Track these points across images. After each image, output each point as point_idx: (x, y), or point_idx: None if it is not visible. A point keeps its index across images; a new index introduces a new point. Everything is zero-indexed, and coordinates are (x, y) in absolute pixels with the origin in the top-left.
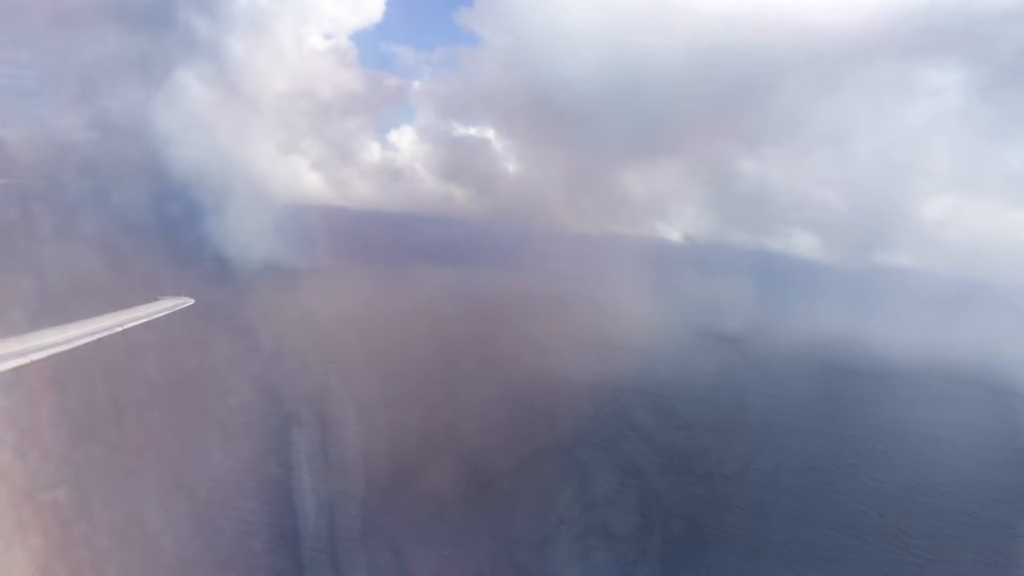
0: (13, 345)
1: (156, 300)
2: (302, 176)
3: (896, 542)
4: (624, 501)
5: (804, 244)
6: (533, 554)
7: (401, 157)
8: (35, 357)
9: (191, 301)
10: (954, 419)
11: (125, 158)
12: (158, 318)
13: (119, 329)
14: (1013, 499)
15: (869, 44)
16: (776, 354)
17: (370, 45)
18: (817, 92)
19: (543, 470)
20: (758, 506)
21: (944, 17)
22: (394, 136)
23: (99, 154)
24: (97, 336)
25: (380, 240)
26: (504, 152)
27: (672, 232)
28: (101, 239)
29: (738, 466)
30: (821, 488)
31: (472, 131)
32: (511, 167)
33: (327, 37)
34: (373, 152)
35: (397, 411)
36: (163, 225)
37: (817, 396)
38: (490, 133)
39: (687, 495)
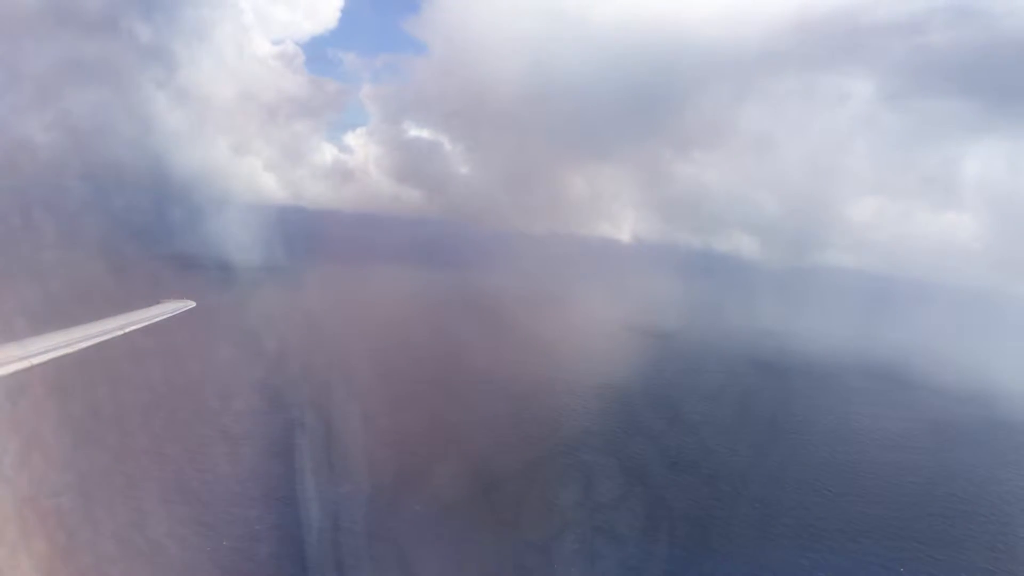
0: (14, 349)
1: (158, 303)
2: (257, 177)
3: (749, 511)
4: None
5: (746, 245)
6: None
7: (354, 159)
8: (36, 361)
9: (192, 304)
10: (854, 410)
11: (86, 161)
12: (160, 321)
13: (120, 332)
14: (873, 477)
15: (769, 55)
16: (702, 350)
17: (320, 51)
18: (731, 99)
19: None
20: (642, 483)
21: (833, 29)
22: (350, 138)
23: (60, 156)
24: (99, 339)
25: (343, 240)
26: (454, 154)
27: (621, 233)
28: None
29: (628, 448)
30: (698, 469)
31: (424, 133)
32: (462, 169)
33: (275, 43)
34: (325, 154)
35: (392, 409)
36: (135, 228)
37: (731, 389)
38: (440, 136)
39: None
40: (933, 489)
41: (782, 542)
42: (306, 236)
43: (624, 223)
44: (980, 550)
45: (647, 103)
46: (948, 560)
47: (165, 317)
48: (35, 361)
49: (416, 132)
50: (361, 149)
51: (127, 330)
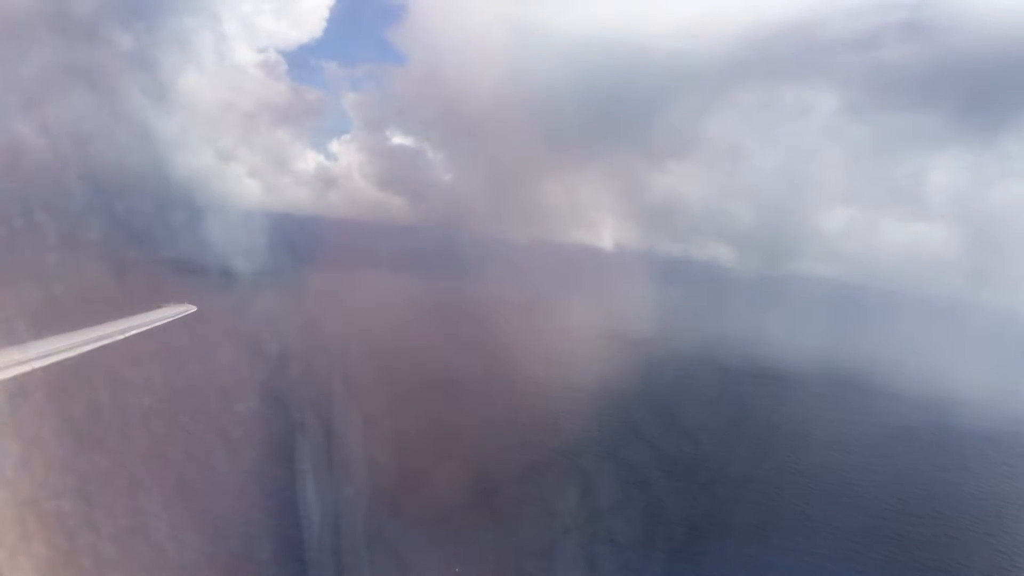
0: (16, 352)
1: (159, 307)
2: (242, 183)
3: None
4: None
5: (724, 254)
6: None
7: (339, 166)
8: (38, 364)
9: (193, 308)
10: (815, 415)
11: (74, 165)
12: (161, 325)
13: (121, 336)
14: (822, 479)
15: (729, 67)
16: (674, 356)
17: (303, 59)
18: (698, 110)
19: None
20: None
21: (788, 43)
22: (335, 145)
23: (50, 160)
24: (100, 343)
25: (332, 247)
26: (436, 161)
27: (603, 240)
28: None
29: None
30: (645, 469)
31: (407, 141)
32: (444, 176)
33: (259, 51)
34: (309, 160)
35: (388, 412)
36: (131, 232)
37: (697, 394)
38: (422, 143)
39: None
40: (880, 491)
41: (720, 540)
42: (297, 242)
43: (605, 231)
44: (916, 548)
45: (617, 113)
46: (885, 557)
47: (166, 321)
48: (37, 365)
49: (399, 140)
50: (345, 156)
51: (128, 334)
